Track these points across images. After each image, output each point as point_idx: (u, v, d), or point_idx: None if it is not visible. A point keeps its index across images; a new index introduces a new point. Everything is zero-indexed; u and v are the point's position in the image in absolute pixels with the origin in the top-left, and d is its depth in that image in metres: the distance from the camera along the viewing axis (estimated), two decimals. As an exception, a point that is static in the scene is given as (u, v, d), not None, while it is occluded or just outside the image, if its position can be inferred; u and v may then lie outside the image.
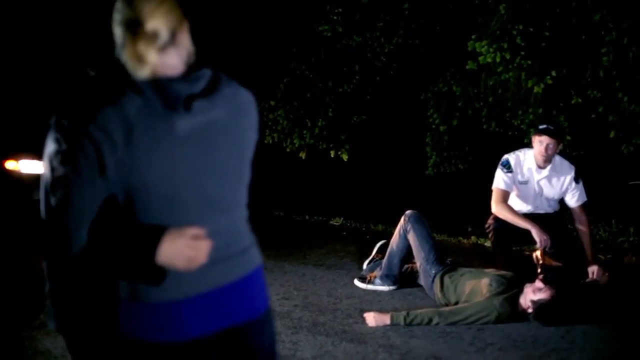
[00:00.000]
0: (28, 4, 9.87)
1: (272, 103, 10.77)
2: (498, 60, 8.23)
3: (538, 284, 4.85)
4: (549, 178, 5.79)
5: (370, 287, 5.95)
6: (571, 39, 8.32)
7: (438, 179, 10.68)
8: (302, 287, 6.08)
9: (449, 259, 5.67)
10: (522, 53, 8.14)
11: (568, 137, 8.25)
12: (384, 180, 11.57)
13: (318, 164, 11.56)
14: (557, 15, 8.25)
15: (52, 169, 1.84)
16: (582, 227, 5.78)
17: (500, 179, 5.82)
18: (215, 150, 1.97)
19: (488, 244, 7.27)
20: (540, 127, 5.69)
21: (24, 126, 8.47)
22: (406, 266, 5.98)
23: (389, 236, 6.35)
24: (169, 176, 1.88)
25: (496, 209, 5.77)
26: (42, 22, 9.80)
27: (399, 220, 6.00)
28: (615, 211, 8.67)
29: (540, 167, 5.77)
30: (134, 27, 1.87)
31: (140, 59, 1.86)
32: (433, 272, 5.52)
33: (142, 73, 1.87)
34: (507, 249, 5.83)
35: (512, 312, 4.87)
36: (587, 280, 5.47)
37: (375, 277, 5.98)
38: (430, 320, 4.86)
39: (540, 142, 5.65)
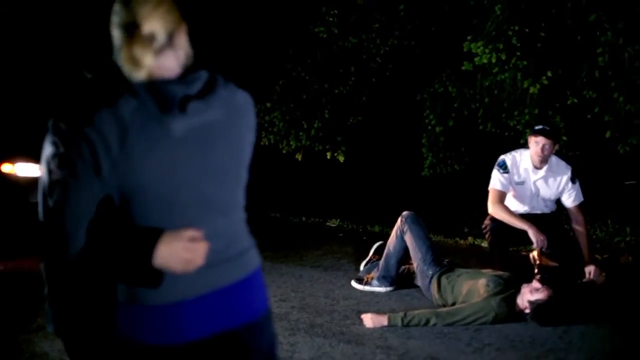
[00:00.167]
0: (24, 6, 9.85)
1: (268, 105, 10.77)
2: (494, 61, 8.23)
3: (535, 284, 4.86)
4: (545, 178, 5.80)
5: (367, 288, 5.95)
6: (567, 39, 8.33)
7: (434, 180, 10.69)
8: (299, 288, 6.08)
9: (446, 260, 5.68)
10: (518, 54, 8.15)
11: (564, 138, 8.26)
12: (381, 182, 11.57)
13: (314, 166, 11.56)
14: (553, 15, 8.26)
15: (50, 172, 1.84)
16: (578, 228, 5.79)
17: (496, 179, 5.82)
18: (211, 151, 1.96)
19: (485, 244, 7.27)
20: (536, 127, 5.69)
21: (20, 129, 8.46)
22: (403, 267, 5.98)
23: (385, 237, 6.35)
24: (164, 178, 1.88)
25: (493, 209, 5.77)
26: (38, 25, 9.78)
27: (395, 221, 6.01)
28: (611, 211, 8.68)
29: (537, 168, 5.77)
30: (131, 30, 1.87)
31: (135, 62, 1.86)
32: (430, 273, 5.52)
33: (138, 76, 1.87)
34: (504, 250, 5.83)
35: (509, 313, 4.88)
36: (584, 280, 5.47)
37: (372, 278, 5.98)
38: (427, 321, 4.86)
39: (536, 143, 5.66)
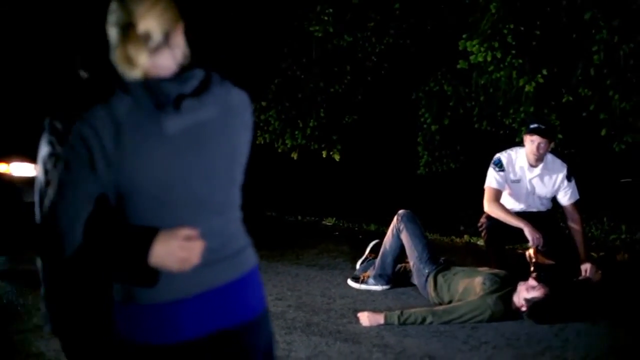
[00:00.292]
0: (20, 6, 9.84)
1: (264, 104, 10.77)
2: (489, 59, 8.24)
3: (531, 282, 4.86)
4: (541, 176, 5.80)
5: (363, 286, 5.95)
6: (562, 37, 8.34)
7: (430, 179, 10.70)
8: (295, 287, 6.07)
9: (442, 258, 5.68)
10: (513, 52, 8.15)
11: (560, 136, 8.26)
12: (376, 180, 11.58)
13: (310, 165, 11.56)
14: (548, 14, 8.27)
15: (46, 171, 1.84)
16: (574, 225, 5.79)
17: (492, 177, 5.82)
18: (205, 150, 1.96)
19: (481, 242, 7.27)
20: (531, 126, 5.68)
21: (16, 129, 8.44)
22: (399, 265, 5.98)
23: (381, 236, 6.35)
24: (158, 176, 1.87)
25: (488, 207, 5.77)
26: (33, 25, 9.77)
27: (391, 219, 6.00)
28: (607, 209, 8.69)
29: (532, 166, 5.77)
30: (126, 29, 1.86)
31: (130, 61, 1.86)
32: (426, 271, 5.52)
33: (133, 74, 1.86)
34: (500, 248, 5.83)
35: (505, 311, 4.88)
36: (580, 278, 5.47)
37: (368, 276, 5.98)
38: (424, 320, 4.86)
39: (531, 142, 5.66)
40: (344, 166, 11.45)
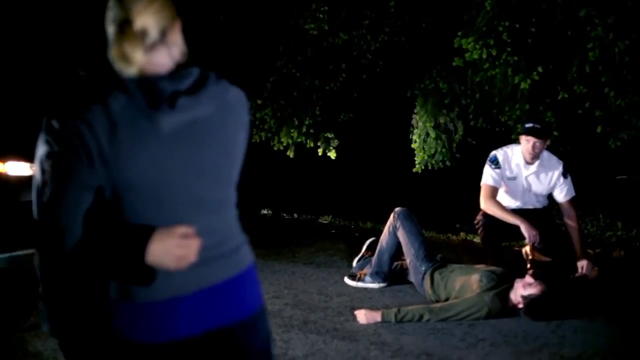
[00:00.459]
0: (16, 6, 9.82)
1: (259, 102, 10.75)
2: (484, 56, 8.23)
3: (528, 279, 4.87)
4: (537, 174, 5.81)
5: (360, 284, 5.95)
6: (557, 34, 8.34)
7: (426, 176, 10.69)
8: (292, 285, 6.08)
9: (439, 256, 5.68)
10: (509, 49, 8.15)
11: (555, 133, 8.26)
12: (372, 178, 11.58)
13: (306, 162, 11.55)
14: (543, 11, 8.26)
15: (44, 171, 1.84)
16: (571, 222, 5.79)
17: (488, 175, 5.83)
18: (200, 148, 1.95)
19: (477, 239, 7.29)
20: (526, 125, 5.68)
21: (11, 129, 8.43)
22: (396, 263, 5.98)
23: (377, 234, 6.36)
24: (153, 174, 1.87)
25: (485, 205, 5.78)
26: (30, 24, 9.75)
27: (387, 217, 6.01)
28: (602, 206, 8.71)
29: (528, 163, 5.78)
30: (122, 26, 1.86)
31: (126, 58, 1.85)
32: (423, 268, 5.52)
33: (129, 72, 1.86)
34: (497, 245, 5.84)
35: (502, 308, 4.89)
36: (577, 275, 5.48)
37: (365, 274, 5.99)
38: (421, 317, 4.86)
39: (527, 141, 5.67)
40: (340, 164, 11.44)
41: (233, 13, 10.45)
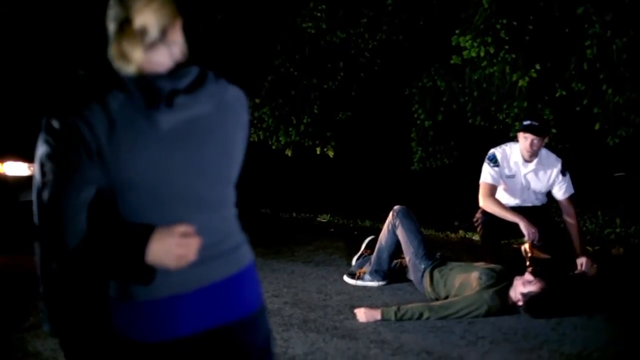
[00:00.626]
0: (14, 7, 9.81)
1: (257, 101, 10.75)
2: (482, 54, 8.25)
3: (527, 276, 4.87)
4: (535, 171, 5.80)
5: (359, 283, 5.95)
6: (555, 32, 8.35)
7: (424, 174, 10.70)
8: (291, 284, 6.07)
9: (438, 254, 5.68)
10: (506, 47, 8.16)
11: (553, 130, 8.28)
12: (371, 176, 11.58)
13: (304, 161, 11.56)
14: (541, 8, 8.28)
15: (44, 171, 1.84)
16: (570, 220, 5.80)
17: (487, 173, 5.82)
18: (199, 147, 1.95)
19: (476, 237, 7.30)
20: (525, 123, 5.68)
21: (9, 129, 8.44)
22: (395, 261, 5.98)
23: (376, 232, 6.36)
24: (151, 172, 1.86)
25: (484, 203, 5.78)
26: (28, 25, 9.75)
27: (386, 215, 6.01)
28: (601, 203, 8.71)
29: (527, 161, 5.78)
30: (122, 24, 1.86)
31: (124, 57, 1.85)
32: (422, 266, 5.52)
33: (128, 70, 1.86)
34: (496, 243, 5.84)
35: (502, 305, 4.89)
36: (576, 272, 5.48)
37: (364, 273, 5.99)
38: (420, 315, 4.86)
39: (525, 138, 5.67)
40: (338, 163, 11.45)
41: (230, 12, 10.45)
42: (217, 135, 2.01)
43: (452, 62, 8.76)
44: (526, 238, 5.40)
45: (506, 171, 5.83)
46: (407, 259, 5.75)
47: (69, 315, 2.11)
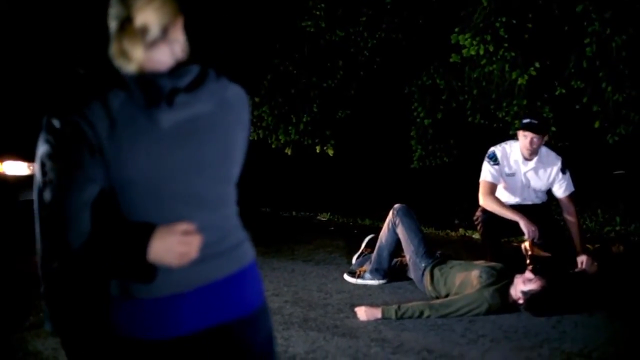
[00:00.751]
0: (14, 6, 9.80)
1: (257, 99, 10.77)
2: (481, 52, 8.25)
3: (528, 274, 4.86)
4: (535, 170, 5.80)
5: (360, 281, 5.95)
6: (554, 30, 8.35)
7: (424, 172, 10.71)
8: (291, 283, 6.07)
9: (438, 252, 5.68)
10: (506, 45, 8.16)
11: (553, 128, 8.28)
12: (370, 175, 11.59)
13: (304, 160, 11.56)
14: (540, 6, 8.28)
15: (44, 170, 1.83)
16: (570, 218, 5.79)
17: (487, 171, 5.82)
18: (200, 145, 1.95)
19: (476, 236, 7.30)
20: (524, 121, 5.68)
21: (8, 128, 8.43)
22: (395, 260, 5.98)
23: (376, 230, 6.35)
24: (152, 171, 1.87)
25: (484, 201, 5.77)
26: (27, 25, 9.74)
27: (385, 214, 6.01)
28: (600, 201, 8.72)
29: (527, 159, 5.77)
30: (123, 23, 1.85)
31: (125, 55, 1.84)
32: (423, 265, 5.52)
33: (128, 69, 1.85)
34: (496, 241, 5.83)
35: (502, 304, 4.88)
36: (576, 270, 5.48)
37: (364, 271, 5.98)
38: (421, 313, 4.86)
39: (524, 137, 5.66)
40: (338, 161, 11.45)
41: (229, 10, 10.44)
42: (218, 133, 2.00)
43: (451, 60, 8.75)
44: (526, 236, 5.40)
45: (506, 169, 5.82)
46: (407, 257, 5.75)
47: (70, 314, 2.11)
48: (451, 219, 8.82)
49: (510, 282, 4.94)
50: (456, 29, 8.46)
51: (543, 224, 5.54)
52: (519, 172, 5.82)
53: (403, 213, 5.82)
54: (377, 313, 4.92)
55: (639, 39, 7.73)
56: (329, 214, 9.79)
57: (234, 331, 2.07)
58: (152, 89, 1.85)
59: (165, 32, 1.89)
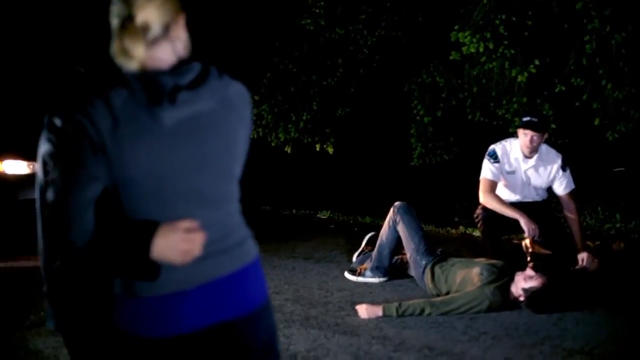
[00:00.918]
0: (15, 5, 9.80)
1: (256, 98, 10.77)
2: (481, 50, 8.25)
3: (529, 272, 4.86)
4: (536, 167, 5.80)
5: (360, 279, 5.95)
6: (554, 27, 8.35)
7: (424, 170, 10.71)
8: (292, 280, 6.07)
9: (439, 250, 5.67)
10: (506, 42, 8.16)
11: (553, 126, 8.28)
12: (370, 173, 11.59)
13: (304, 158, 11.56)
14: (540, 4, 8.28)
15: (46, 169, 1.83)
16: (570, 215, 5.79)
17: (487, 169, 5.82)
18: (202, 143, 1.95)
19: (476, 233, 7.30)
20: (524, 119, 5.67)
21: (8, 127, 8.43)
22: (396, 257, 5.98)
23: (376, 228, 6.35)
24: (154, 169, 1.87)
25: (484, 199, 5.77)
26: (27, 24, 9.73)
27: (385, 212, 6.01)
28: (601, 198, 8.72)
29: (527, 157, 5.77)
30: (124, 21, 1.85)
31: (126, 53, 1.84)
32: (423, 262, 5.52)
33: (130, 66, 1.85)
34: (497, 238, 5.83)
35: (503, 301, 4.88)
36: (577, 267, 5.48)
37: (365, 269, 5.98)
38: (422, 311, 4.86)
39: (524, 135, 5.66)
40: (338, 159, 11.45)
41: (228, 9, 10.44)
42: (220, 131, 2.00)
43: (451, 58, 8.76)
44: (526, 234, 5.40)
45: (506, 167, 5.82)
46: (408, 255, 5.75)
47: (74, 313, 2.12)
48: (451, 216, 8.82)
49: (511, 279, 4.94)
50: (456, 27, 8.46)
51: (543, 221, 5.54)
52: (519, 169, 5.81)
53: (404, 211, 5.82)
54: (378, 311, 4.92)
55: (638, 36, 7.73)
56: (329, 211, 9.80)
57: (237, 329, 2.06)
58: (154, 86, 1.85)
59: (166, 29, 1.89)
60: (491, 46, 8.17)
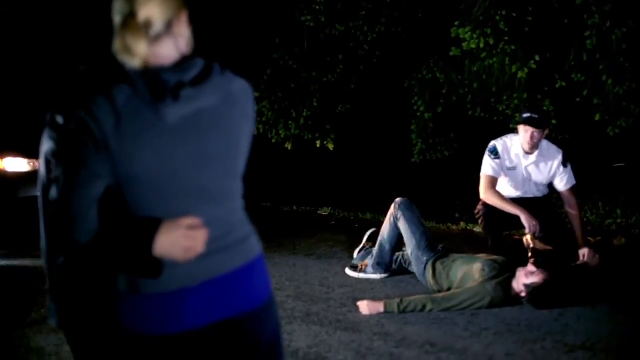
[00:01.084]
0: (16, 3, 9.79)
1: (257, 94, 10.76)
2: (482, 46, 8.25)
3: (530, 267, 4.86)
4: (536, 163, 5.79)
5: (362, 275, 5.95)
6: (554, 23, 8.35)
7: (424, 166, 10.70)
8: (293, 277, 6.07)
9: (440, 246, 5.67)
10: (506, 38, 8.16)
11: (554, 121, 8.27)
12: (371, 169, 11.59)
13: (304, 155, 11.56)
14: (540, 0, 8.28)
15: (49, 167, 1.83)
16: (572, 211, 5.79)
17: (488, 165, 5.81)
18: (204, 140, 1.94)
19: (477, 229, 7.30)
20: (524, 115, 5.66)
21: (9, 125, 8.43)
22: (397, 254, 5.98)
23: (377, 224, 6.35)
24: (157, 165, 1.86)
25: (485, 195, 5.76)
26: (28, 22, 9.73)
27: (386, 208, 6.00)
28: (601, 194, 8.72)
29: (528, 153, 5.76)
30: (126, 18, 1.85)
31: (128, 50, 1.84)
32: (425, 258, 5.52)
33: (132, 63, 1.85)
34: (498, 234, 5.83)
35: (505, 297, 4.88)
36: (578, 262, 5.47)
37: (366, 265, 5.98)
38: (424, 307, 4.86)
39: (525, 131, 5.65)
40: (339, 155, 11.45)
41: (228, 5, 10.43)
42: (223, 127, 2.00)
43: (451, 54, 8.76)
44: (527, 230, 5.40)
45: (507, 163, 5.81)
46: (409, 251, 5.74)
47: (77, 310, 2.12)
48: (452, 212, 8.82)
49: (513, 275, 4.94)
50: (456, 23, 8.46)
51: (544, 217, 5.54)
52: (520, 165, 5.81)
53: (405, 207, 5.82)
54: (379, 307, 4.92)
55: (639, 32, 7.72)
56: (330, 208, 9.79)
57: (241, 325, 2.06)
58: (157, 83, 1.84)
59: (169, 26, 1.88)
60: (491, 42, 8.17)
